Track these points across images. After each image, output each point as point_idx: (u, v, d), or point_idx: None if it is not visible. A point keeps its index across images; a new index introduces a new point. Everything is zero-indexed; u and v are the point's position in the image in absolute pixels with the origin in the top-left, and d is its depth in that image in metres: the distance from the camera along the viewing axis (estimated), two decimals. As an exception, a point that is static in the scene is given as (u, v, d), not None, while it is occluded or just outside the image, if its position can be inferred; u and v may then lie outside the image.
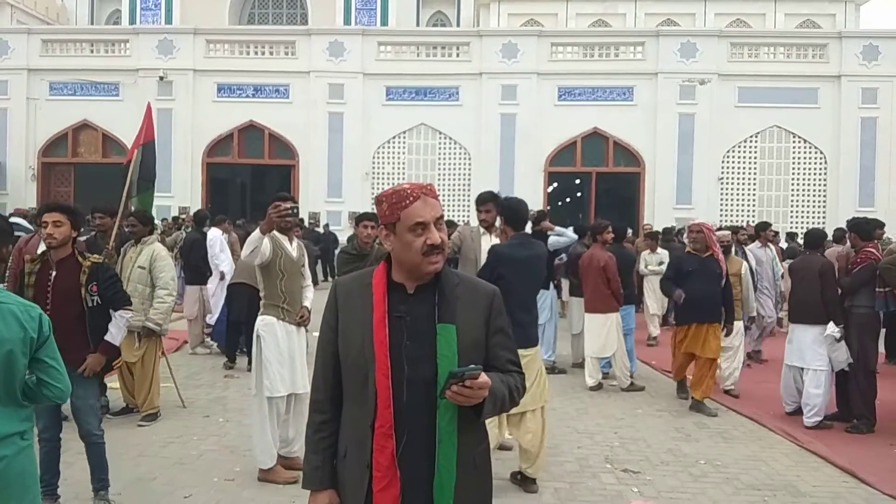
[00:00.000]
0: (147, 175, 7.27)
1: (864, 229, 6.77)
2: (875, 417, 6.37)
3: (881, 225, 9.25)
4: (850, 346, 6.40)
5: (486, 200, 5.46)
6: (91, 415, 4.24)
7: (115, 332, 4.34)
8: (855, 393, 6.45)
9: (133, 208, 6.94)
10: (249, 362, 5.56)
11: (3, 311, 2.47)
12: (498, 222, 5.52)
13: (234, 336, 8.62)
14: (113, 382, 6.67)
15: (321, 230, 18.68)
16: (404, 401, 1.94)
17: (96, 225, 6.95)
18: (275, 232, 4.97)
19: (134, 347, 6.10)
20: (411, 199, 1.99)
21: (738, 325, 7.46)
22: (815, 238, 7.13)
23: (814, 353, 6.54)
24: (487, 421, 4.45)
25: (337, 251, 10.69)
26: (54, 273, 4.16)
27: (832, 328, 6.50)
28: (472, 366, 1.85)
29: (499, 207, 5.42)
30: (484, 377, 1.85)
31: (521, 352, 4.62)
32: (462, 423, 1.96)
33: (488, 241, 5.35)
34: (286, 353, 4.87)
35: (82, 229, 7.85)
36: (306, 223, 18.70)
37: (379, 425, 1.94)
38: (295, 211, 4.75)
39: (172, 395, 6.79)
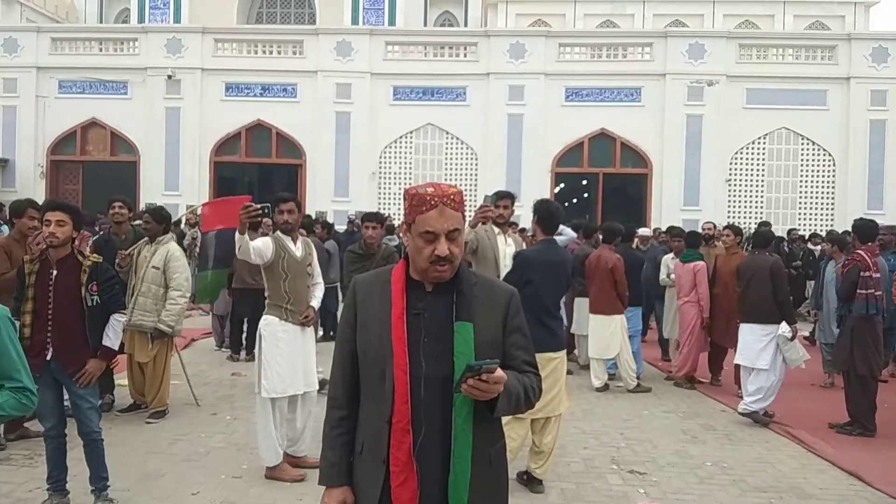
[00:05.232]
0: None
1: (864, 233, 6.73)
2: (873, 423, 6.33)
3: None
4: (843, 350, 6.40)
5: (506, 196, 5.45)
6: (91, 413, 4.24)
7: (114, 338, 4.29)
8: (847, 396, 6.48)
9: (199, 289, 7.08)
10: (252, 359, 5.60)
11: None
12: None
13: (236, 332, 8.88)
14: (121, 379, 6.70)
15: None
16: (421, 397, 1.96)
17: (112, 214, 6.61)
18: (278, 233, 5.00)
19: (147, 348, 6.10)
20: (428, 206, 1.99)
21: None
22: (765, 238, 7.18)
23: (759, 352, 6.58)
24: (518, 425, 4.56)
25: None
26: (55, 273, 4.13)
27: (784, 328, 6.51)
28: (489, 359, 1.86)
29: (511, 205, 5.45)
30: (500, 372, 1.86)
31: (550, 355, 4.74)
32: (477, 422, 1.97)
33: (503, 241, 5.34)
34: (288, 354, 4.88)
35: (96, 228, 7.78)
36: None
37: (396, 421, 1.96)
38: (266, 211, 4.68)
39: (179, 392, 6.82)
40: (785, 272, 6.83)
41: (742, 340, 6.80)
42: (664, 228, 12.84)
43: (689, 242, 8.53)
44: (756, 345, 6.60)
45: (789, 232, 14.79)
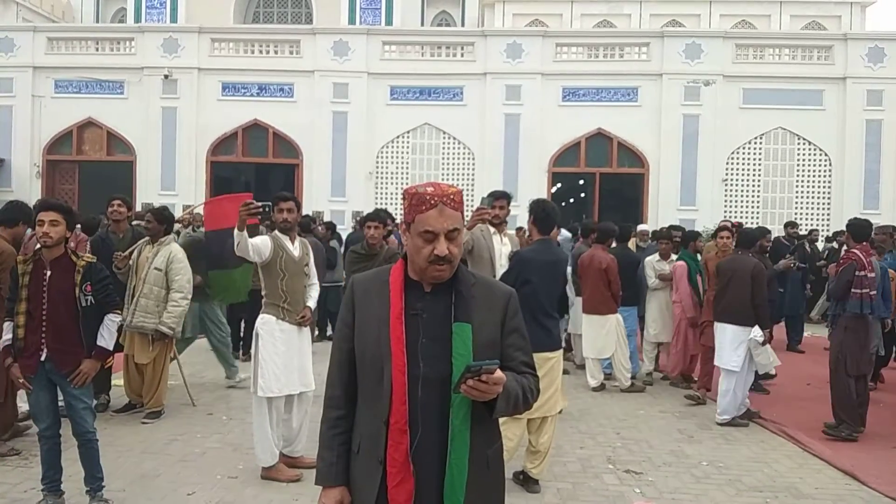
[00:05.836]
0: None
1: (858, 231, 6.72)
2: (859, 422, 6.31)
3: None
4: (834, 348, 6.40)
5: (502, 197, 5.44)
6: (86, 413, 4.23)
7: (108, 338, 4.27)
8: (832, 396, 6.45)
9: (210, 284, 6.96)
10: (249, 359, 5.60)
11: None
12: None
13: (233, 332, 8.86)
14: (117, 380, 6.69)
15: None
16: (419, 398, 1.95)
17: (111, 212, 6.56)
18: (276, 232, 5.01)
19: (148, 350, 6.08)
20: (428, 206, 1.98)
21: None
22: (749, 238, 7.08)
23: (730, 353, 6.53)
24: (514, 425, 4.56)
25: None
26: (49, 273, 4.12)
27: (756, 332, 6.45)
28: (489, 360, 1.86)
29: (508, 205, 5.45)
30: (499, 373, 1.85)
31: (547, 355, 4.75)
32: (475, 422, 1.97)
33: (499, 241, 5.34)
34: (285, 353, 4.88)
35: (99, 229, 7.71)
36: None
37: (394, 421, 1.96)
38: (266, 209, 4.74)
39: (175, 392, 6.81)
40: (765, 276, 6.75)
41: (717, 341, 6.76)
42: (667, 227, 12.79)
43: (685, 243, 8.52)
44: (729, 345, 6.56)
45: (811, 232, 14.54)
